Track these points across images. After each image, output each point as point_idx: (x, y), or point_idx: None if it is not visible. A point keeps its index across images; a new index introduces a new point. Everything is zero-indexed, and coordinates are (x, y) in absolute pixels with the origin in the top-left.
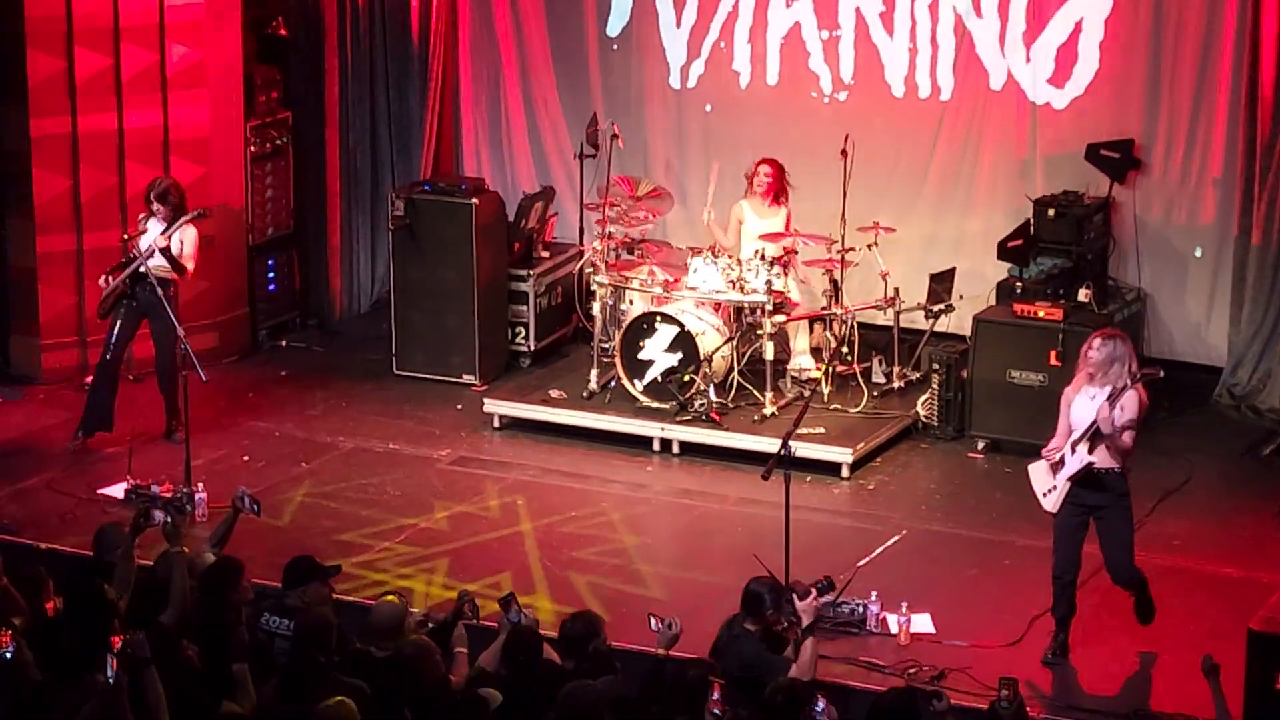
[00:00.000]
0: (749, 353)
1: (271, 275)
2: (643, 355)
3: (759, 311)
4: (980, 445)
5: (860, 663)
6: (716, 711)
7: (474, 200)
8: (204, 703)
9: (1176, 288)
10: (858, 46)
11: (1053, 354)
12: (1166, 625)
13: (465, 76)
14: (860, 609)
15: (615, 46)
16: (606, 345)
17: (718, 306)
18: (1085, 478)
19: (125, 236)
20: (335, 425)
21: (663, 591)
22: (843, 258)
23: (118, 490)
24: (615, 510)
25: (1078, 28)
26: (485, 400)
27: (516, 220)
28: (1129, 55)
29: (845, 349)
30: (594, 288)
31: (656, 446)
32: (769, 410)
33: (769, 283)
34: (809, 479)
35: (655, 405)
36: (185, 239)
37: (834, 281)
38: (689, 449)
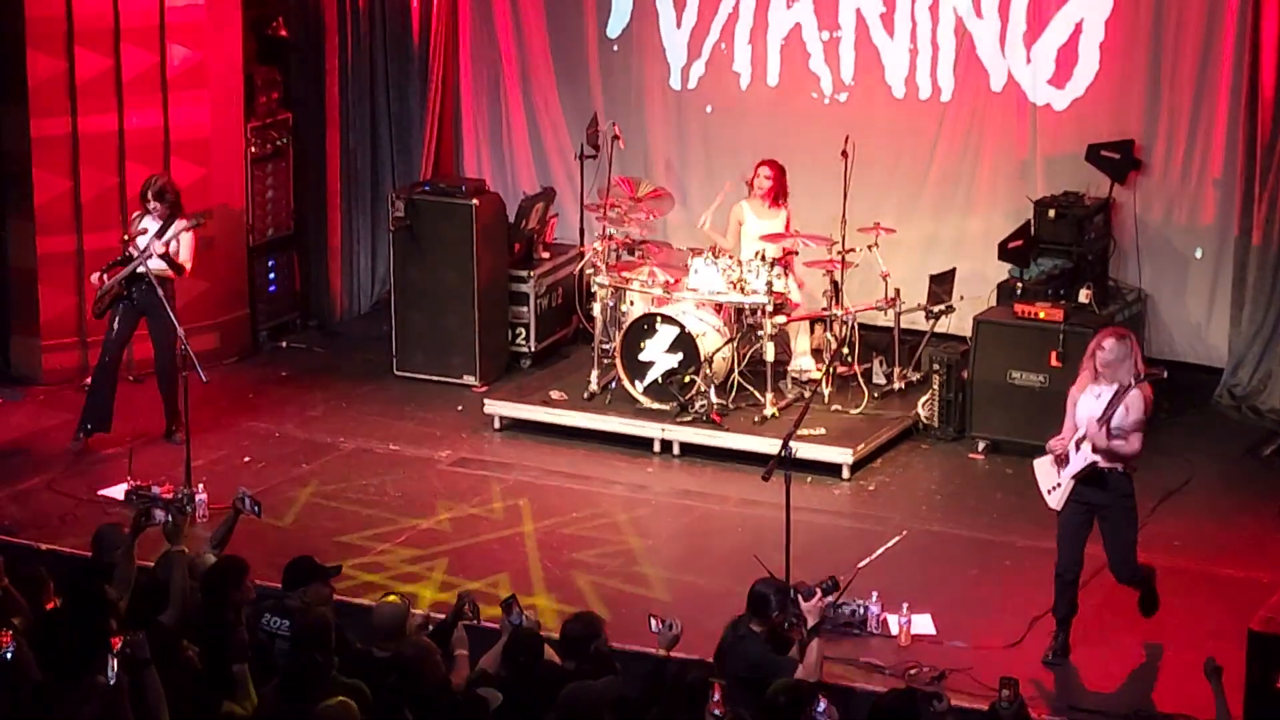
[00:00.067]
0: (749, 354)
1: (272, 276)
2: (643, 356)
3: (759, 312)
4: (981, 446)
5: (861, 663)
6: (717, 713)
7: (474, 201)
8: (204, 703)
9: (1177, 288)
10: (858, 47)
11: (1053, 355)
12: (1167, 625)
13: (466, 77)
14: (861, 610)
15: (615, 47)
16: (607, 346)
17: (718, 307)
18: (1090, 476)
19: (125, 238)
20: (336, 426)
21: (663, 592)
22: (843, 259)
23: (118, 491)
24: (616, 511)
25: (1078, 29)
26: (486, 401)
27: (517, 221)
28: (1129, 56)
29: (846, 350)
30: (594, 289)
31: (657, 448)
32: (769, 411)
33: (769, 284)
34: (809, 480)
35: (656, 406)
36: (183, 240)
37: (834, 282)
38: (689, 450)
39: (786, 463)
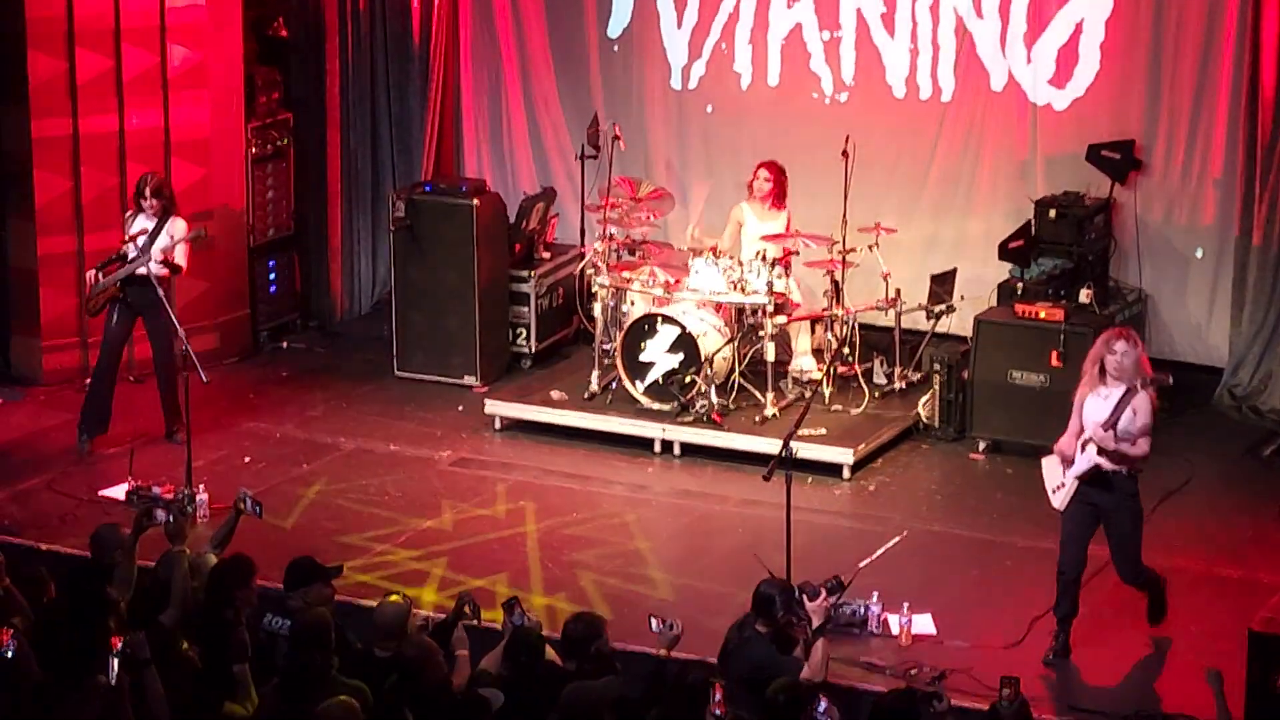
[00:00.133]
0: (750, 354)
1: (272, 276)
2: (644, 356)
3: (760, 313)
4: (981, 446)
5: (861, 663)
6: (718, 713)
7: (475, 201)
8: (205, 703)
9: (1177, 288)
10: (859, 48)
11: (1054, 355)
12: (1167, 625)
13: (466, 78)
14: (862, 610)
15: (616, 48)
16: (607, 346)
17: (719, 307)
18: (1095, 477)
19: (132, 236)
20: (336, 426)
21: (663, 593)
22: (844, 259)
23: (119, 492)
24: (616, 512)
25: (1078, 29)
26: (486, 401)
27: (517, 221)
28: (1129, 56)
29: (846, 350)
30: (595, 289)
31: (658, 448)
32: (770, 411)
33: (770, 284)
34: (810, 480)
35: (656, 406)
36: (179, 245)
37: (835, 282)
38: (690, 450)
39: (787, 463)
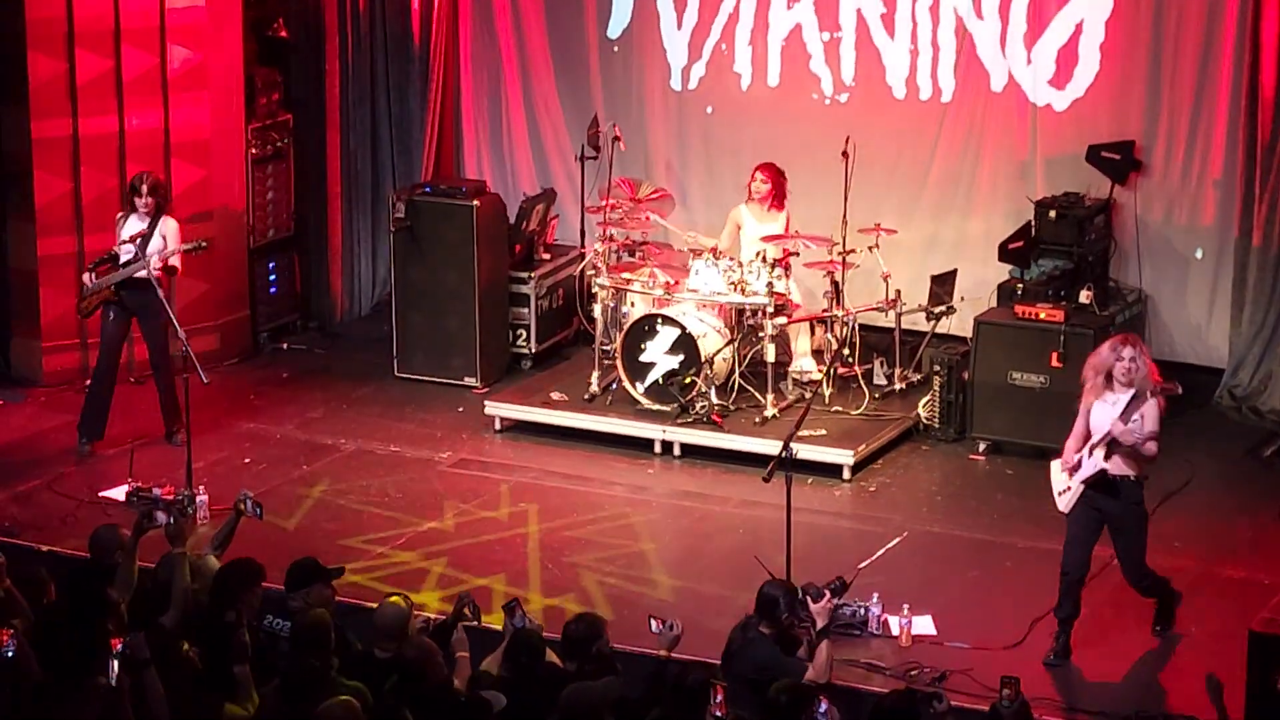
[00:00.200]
0: (750, 355)
1: (272, 277)
2: (644, 357)
3: (760, 314)
4: (981, 447)
5: (862, 664)
6: (719, 714)
7: (475, 202)
8: (206, 704)
9: (1177, 289)
10: (859, 48)
11: (1054, 355)
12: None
13: (466, 78)
14: (862, 611)
15: (616, 48)
16: (608, 347)
17: (719, 309)
18: (1101, 484)
19: (129, 238)
20: (336, 427)
21: (663, 593)
22: (844, 260)
23: (119, 493)
24: (616, 512)
25: (1078, 29)
26: (486, 402)
27: (517, 222)
28: (1129, 57)
29: (846, 351)
30: (595, 290)
31: (658, 449)
32: (770, 412)
33: (770, 285)
34: (810, 481)
35: (656, 407)
36: (169, 244)
37: (835, 283)
38: (690, 451)
39: (787, 464)
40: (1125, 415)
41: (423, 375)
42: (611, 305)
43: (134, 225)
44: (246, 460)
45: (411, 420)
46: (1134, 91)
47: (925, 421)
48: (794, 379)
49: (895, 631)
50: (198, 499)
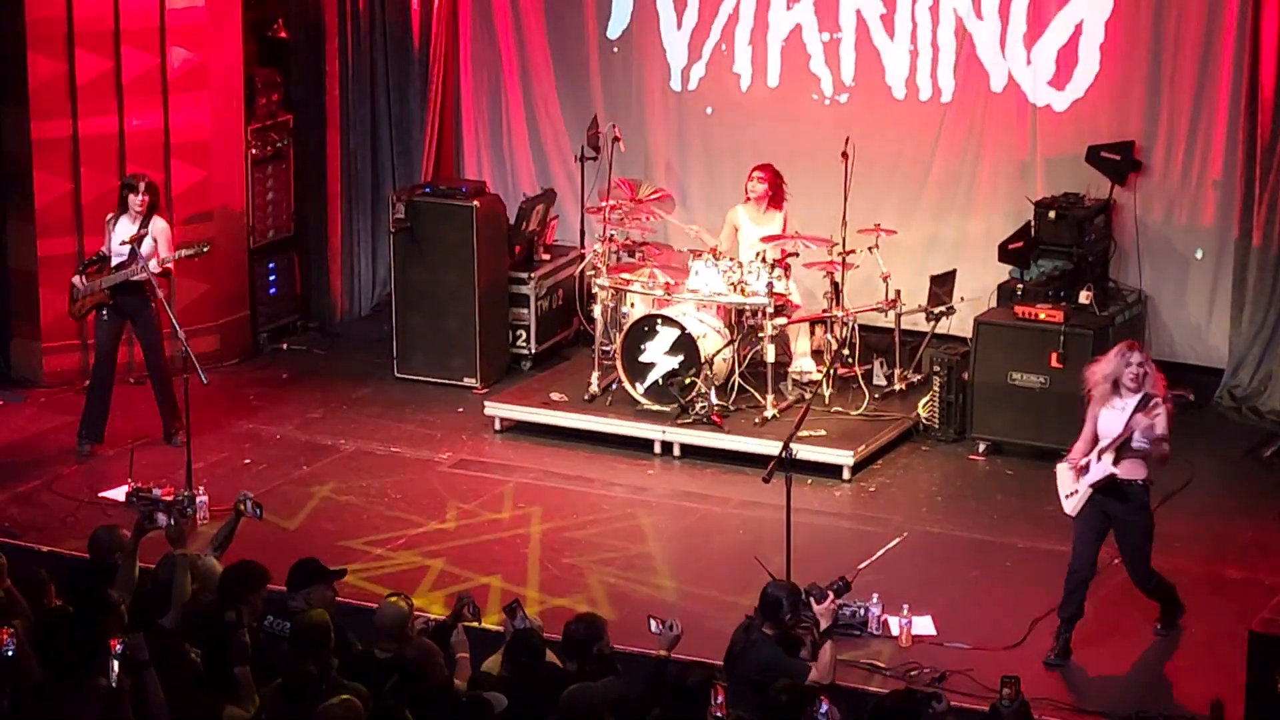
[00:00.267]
0: (750, 355)
1: (272, 278)
2: (644, 358)
3: (760, 314)
4: (981, 447)
5: (861, 665)
6: (719, 715)
7: (475, 203)
8: (206, 706)
9: (1177, 289)
10: (858, 49)
11: (1054, 356)
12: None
13: (466, 79)
14: (862, 611)
15: (616, 49)
16: (608, 348)
17: (719, 309)
18: (1109, 488)
19: (124, 240)
20: (336, 428)
21: (663, 594)
22: (844, 260)
23: (119, 493)
24: (616, 513)
25: (1078, 30)
26: (486, 403)
27: (517, 223)
28: (1129, 57)
29: (846, 351)
30: (595, 290)
31: (657, 449)
32: (770, 413)
33: (770, 285)
34: (810, 481)
35: (656, 408)
36: (161, 246)
37: (835, 284)
38: (690, 451)
39: (787, 464)
40: (1134, 419)
41: (422, 376)
42: (611, 306)
43: (125, 226)
44: (246, 461)
45: (411, 421)
46: (1134, 92)
47: (925, 422)
48: (794, 379)
49: (895, 632)
50: (197, 500)
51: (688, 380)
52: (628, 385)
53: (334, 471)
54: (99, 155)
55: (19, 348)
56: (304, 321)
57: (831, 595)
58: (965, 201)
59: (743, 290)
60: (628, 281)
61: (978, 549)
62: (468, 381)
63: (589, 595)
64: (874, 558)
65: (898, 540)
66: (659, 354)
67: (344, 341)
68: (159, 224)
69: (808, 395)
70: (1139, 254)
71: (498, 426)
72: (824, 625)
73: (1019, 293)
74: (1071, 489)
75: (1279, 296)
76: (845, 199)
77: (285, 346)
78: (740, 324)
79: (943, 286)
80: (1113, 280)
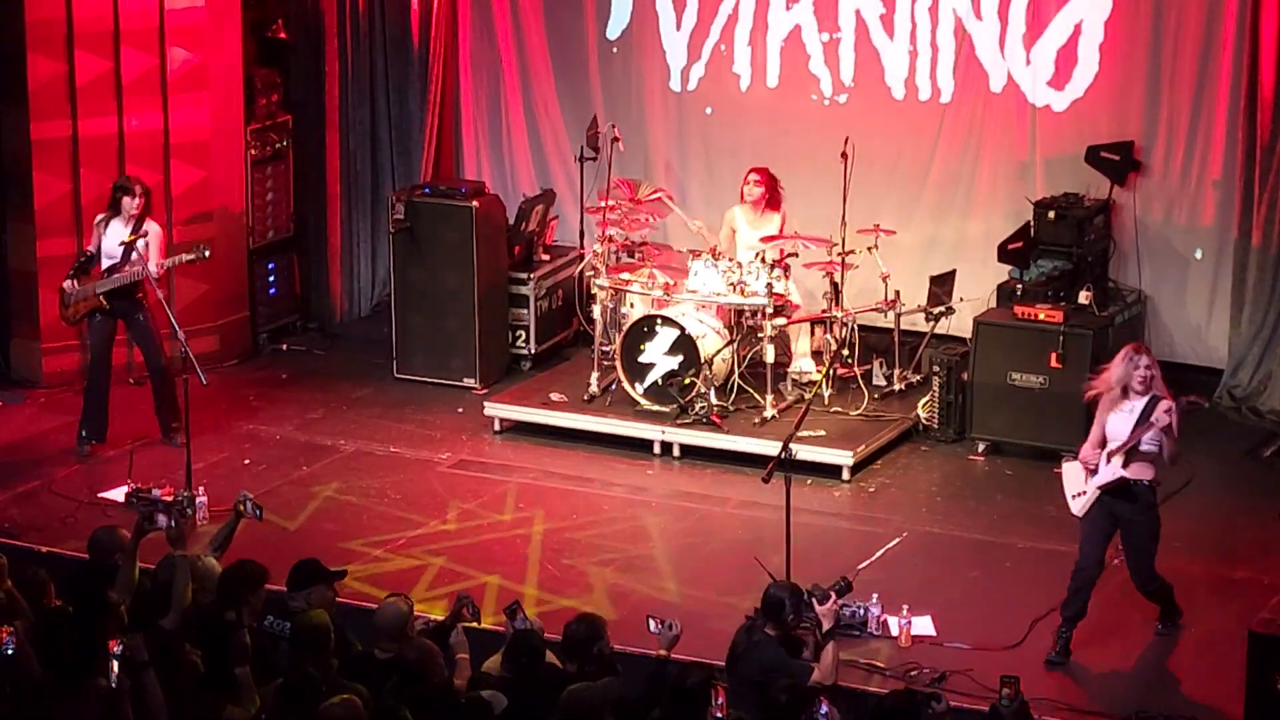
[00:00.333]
0: (749, 356)
1: (272, 279)
2: (643, 358)
3: (760, 314)
4: (981, 448)
5: (861, 665)
6: (719, 715)
7: (474, 203)
8: (207, 706)
9: (1177, 290)
10: (858, 49)
11: (1053, 356)
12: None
13: (465, 79)
14: (861, 611)
15: (615, 49)
16: (607, 348)
17: (718, 309)
18: (1117, 488)
19: (124, 241)
20: (336, 428)
21: (663, 594)
22: (843, 260)
23: (118, 494)
24: (616, 514)
25: (1077, 30)
26: (486, 403)
27: (517, 223)
28: (1129, 57)
29: (846, 352)
30: (594, 291)
31: (657, 450)
32: (769, 413)
33: (769, 286)
34: (810, 482)
35: (656, 408)
36: (153, 249)
37: (834, 284)
38: (690, 452)
39: (787, 464)
40: (1143, 421)
41: (422, 376)
42: (611, 306)
43: (117, 229)
44: (246, 461)
45: (411, 421)
46: (1133, 92)
47: (925, 422)
48: (793, 380)
49: (895, 632)
50: (197, 500)
51: (687, 380)
52: (627, 385)
53: (334, 472)
54: (99, 156)
55: (19, 348)
56: (304, 322)
57: (834, 596)
58: (965, 202)
59: (742, 290)
60: (627, 282)
61: (978, 549)
62: (467, 382)
63: (589, 596)
64: (874, 558)
65: (897, 540)
66: (658, 354)
67: (344, 342)
68: (154, 228)
69: (807, 395)
70: (1139, 254)
71: (497, 427)
72: (826, 626)
73: (1018, 293)
74: (1079, 489)
75: (1279, 296)
76: (845, 199)
77: (285, 347)
78: (740, 324)
79: (942, 287)
80: (1112, 280)
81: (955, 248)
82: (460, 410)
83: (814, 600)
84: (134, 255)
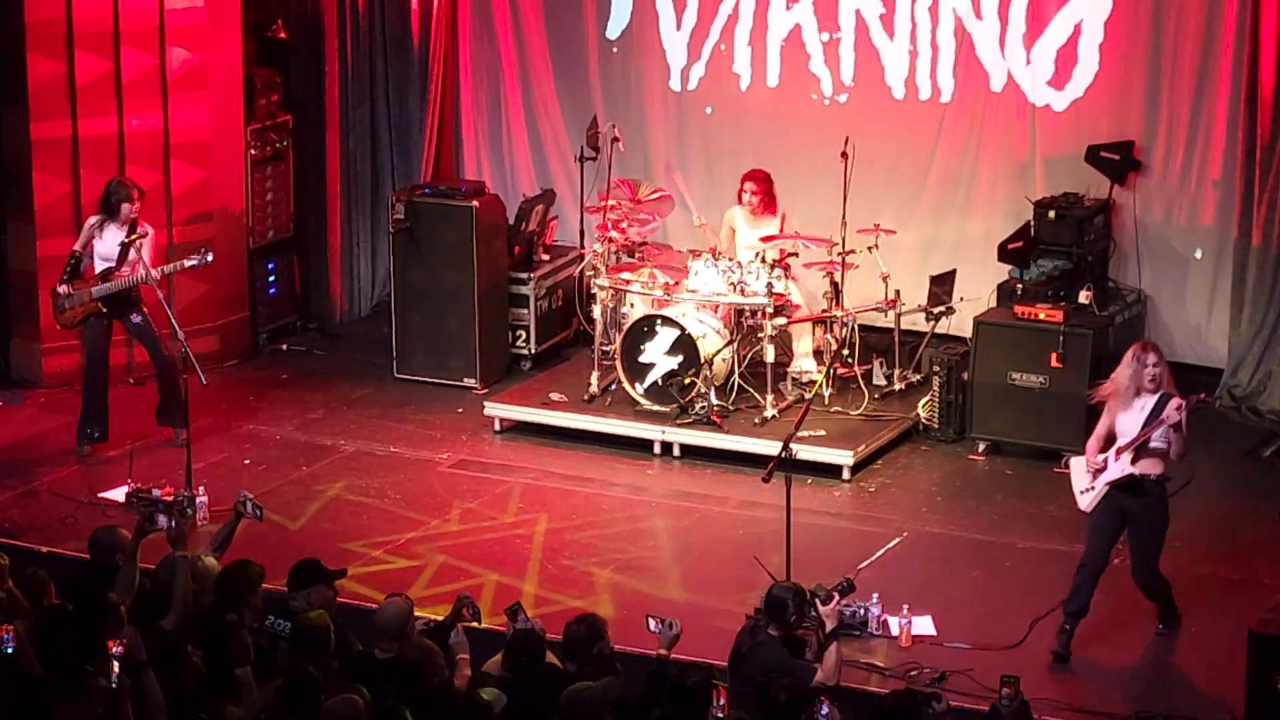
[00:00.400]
0: (749, 355)
1: (272, 279)
2: (643, 358)
3: (760, 314)
4: (981, 447)
5: (861, 665)
6: (720, 716)
7: (474, 203)
8: (207, 706)
9: (1177, 289)
10: (858, 49)
11: (1053, 356)
12: None
13: (465, 79)
14: (862, 611)
15: (615, 49)
16: (607, 348)
17: (718, 309)
18: (1126, 484)
19: (125, 240)
20: (336, 428)
21: (663, 593)
22: (843, 260)
23: (119, 494)
24: (616, 513)
25: (1077, 30)
26: (486, 403)
27: (517, 223)
28: (1128, 57)
29: (846, 351)
30: (594, 291)
31: (657, 449)
32: (770, 413)
33: (770, 285)
34: (810, 481)
35: (656, 408)
36: (144, 252)
37: (835, 284)
38: (690, 452)
39: (787, 464)
40: (1154, 418)
41: (422, 376)
42: (611, 306)
43: (111, 233)
44: (246, 461)
45: (411, 421)
46: (1133, 91)
47: (925, 422)
48: (793, 379)
49: (895, 632)
50: (197, 500)
51: (687, 380)
52: (627, 385)
53: (334, 472)
54: (99, 156)
55: (19, 348)
56: (304, 322)
57: (837, 596)
58: (965, 201)
59: (742, 290)
60: (627, 282)
61: (978, 549)
62: (467, 382)
63: (589, 596)
64: (874, 558)
65: (897, 540)
66: (659, 354)
67: (344, 342)
68: (148, 229)
69: (807, 395)
70: (1138, 254)
71: (497, 427)
72: (829, 627)
73: (1019, 293)
74: (1087, 485)
75: (1278, 296)
76: (845, 199)
77: (285, 347)
78: (740, 324)
79: (942, 286)
80: (1112, 280)
81: (955, 247)
82: (460, 410)
83: (817, 601)
84: (131, 255)
